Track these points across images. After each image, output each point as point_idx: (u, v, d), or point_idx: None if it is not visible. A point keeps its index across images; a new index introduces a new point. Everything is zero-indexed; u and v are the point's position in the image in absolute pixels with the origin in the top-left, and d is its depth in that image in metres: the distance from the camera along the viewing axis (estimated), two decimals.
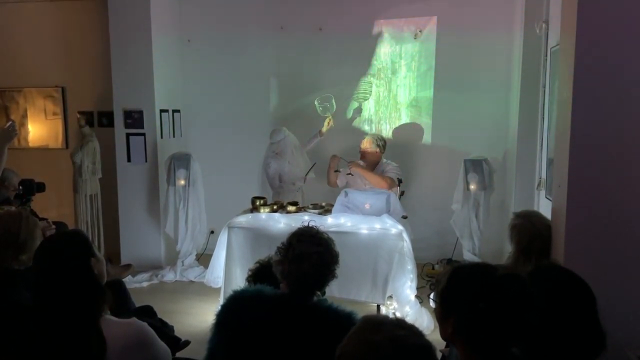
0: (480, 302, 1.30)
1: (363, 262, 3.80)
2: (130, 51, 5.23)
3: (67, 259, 1.77)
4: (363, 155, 4.77)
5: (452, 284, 1.38)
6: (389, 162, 4.80)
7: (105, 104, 5.63)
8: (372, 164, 4.77)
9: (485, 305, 1.30)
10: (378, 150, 4.75)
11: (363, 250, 3.80)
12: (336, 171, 4.79)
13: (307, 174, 4.97)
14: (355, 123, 5.70)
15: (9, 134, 3.40)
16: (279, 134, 4.87)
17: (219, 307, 1.97)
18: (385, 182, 4.54)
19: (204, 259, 5.25)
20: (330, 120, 5.12)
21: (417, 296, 3.97)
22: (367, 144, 4.72)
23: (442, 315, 1.39)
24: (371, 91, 5.62)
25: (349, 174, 4.63)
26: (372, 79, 5.61)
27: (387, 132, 5.64)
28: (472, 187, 4.65)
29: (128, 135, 5.35)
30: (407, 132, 5.63)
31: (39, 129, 6.10)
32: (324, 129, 5.11)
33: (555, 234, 2.47)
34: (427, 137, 5.60)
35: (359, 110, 5.68)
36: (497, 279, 1.34)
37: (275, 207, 4.35)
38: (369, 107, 5.68)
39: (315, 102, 5.19)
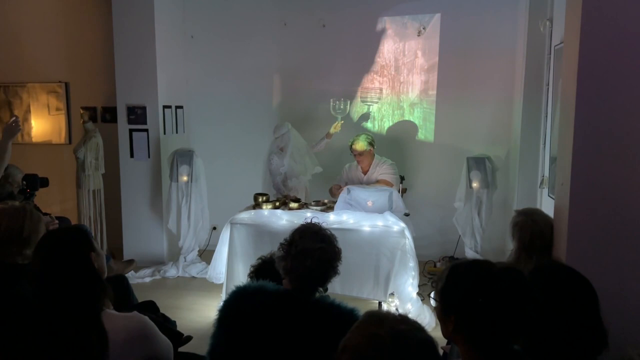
0: (478, 297, 1.31)
1: (365, 259, 3.81)
2: (134, 47, 5.24)
3: (66, 254, 1.78)
4: (358, 156, 4.76)
5: (451, 282, 1.39)
6: (383, 160, 4.79)
7: (109, 99, 5.64)
8: (368, 163, 4.78)
9: (483, 300, 1.30)
10: (371, 148, 4.76)
11: (365, 247, 3.81)
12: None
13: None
14: (356, 120, 5.68)
15: (12, 129, 3.40)
16: (282, 128, 4.86)
17: (221, 303, 1.98)
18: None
19: (206, 255, 5.26)
20: (338, 124, 5.08)
21: (418, 294, 3.98)
22: (360, 146, 4.70)
23: (442, 313, 1.40)
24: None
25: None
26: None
27: (389, 129, 5.64)
28: (475, 185, 4.65)
29: (131, 131, 5.35)
30: (410, 130, 5.62)
31: (42, 124, 6.11)
32: (332, 131, 5.08)
33: (558, 232, 2.47)
34: (430, 135, 5.59)
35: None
36: (494, 273, 1.35)
37: (277, 203, 4.36)
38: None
39: (331, 102, 5.15)
